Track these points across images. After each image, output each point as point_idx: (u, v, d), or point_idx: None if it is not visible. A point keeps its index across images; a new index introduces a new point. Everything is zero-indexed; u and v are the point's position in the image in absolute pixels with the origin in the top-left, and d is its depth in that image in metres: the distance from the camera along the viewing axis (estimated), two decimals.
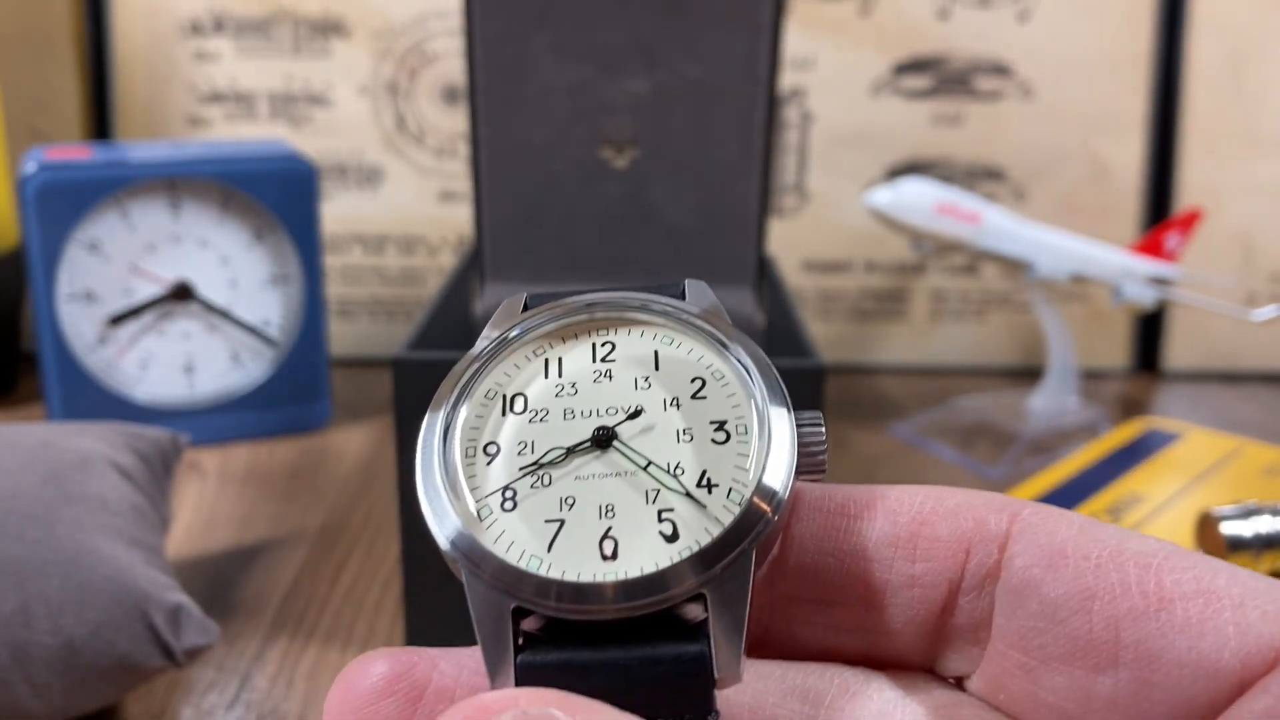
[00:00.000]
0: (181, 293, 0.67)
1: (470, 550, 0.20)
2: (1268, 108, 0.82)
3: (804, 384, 0.42)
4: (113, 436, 0.46)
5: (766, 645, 0.22)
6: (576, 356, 0.22)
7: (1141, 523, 0.50)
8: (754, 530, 0.19)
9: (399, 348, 0.45)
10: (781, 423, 0.20)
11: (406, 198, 0.83)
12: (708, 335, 0.22)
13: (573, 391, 0.22)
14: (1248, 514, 0.45)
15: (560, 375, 0.22)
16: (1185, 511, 0.51)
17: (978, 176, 0.83)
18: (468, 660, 0.20)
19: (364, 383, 0.79)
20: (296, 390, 0.70)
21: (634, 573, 0.19)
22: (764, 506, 0.20)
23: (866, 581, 0.21)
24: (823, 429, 0.21)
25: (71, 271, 0.64)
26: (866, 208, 0.68)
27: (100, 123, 0.82)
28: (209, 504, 0.60)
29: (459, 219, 0.83)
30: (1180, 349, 0.85)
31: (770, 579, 0.21)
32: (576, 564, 0.19)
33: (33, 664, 0.38)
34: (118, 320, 0.66)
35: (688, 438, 0.21)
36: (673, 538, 0.20)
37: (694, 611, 0.19)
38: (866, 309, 0.85)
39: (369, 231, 0.83)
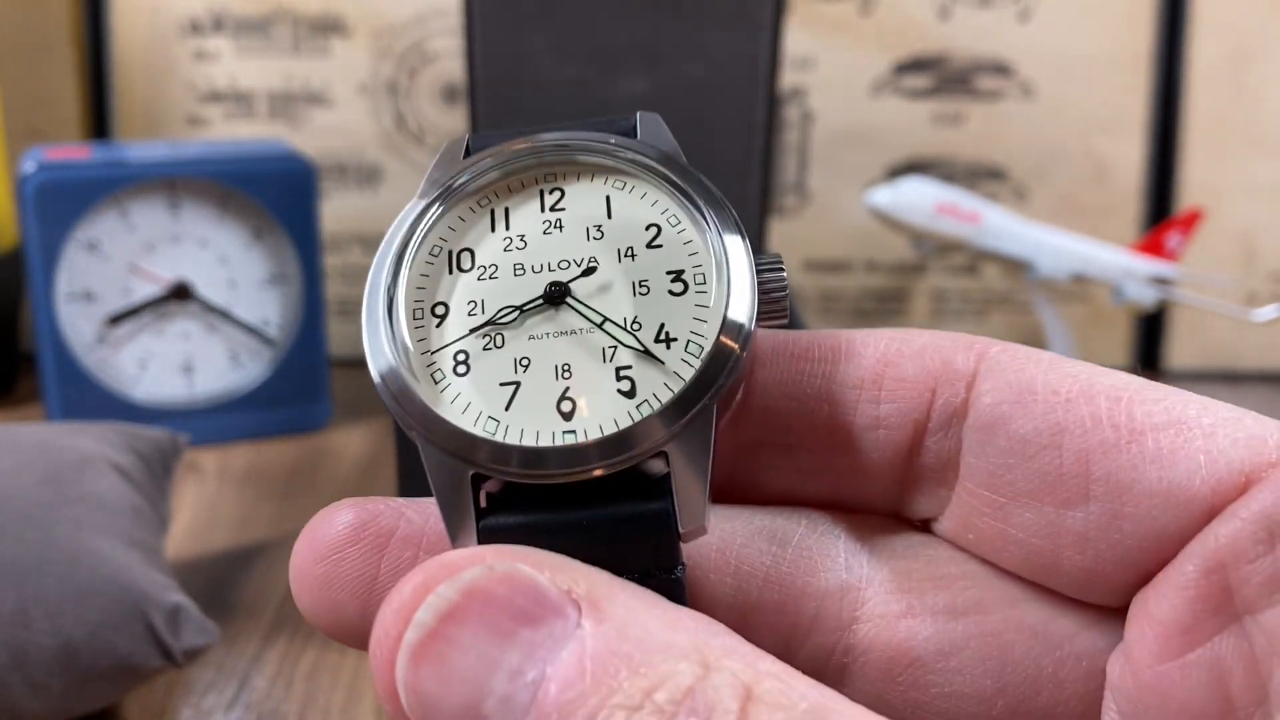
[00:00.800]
0: (181, 292, 0.67)
1: (423, 417, 0.19)
2: (1268, 107, 0.82)
3: None
4: (112, 437, 0.46)
5: (731, 492, 0.22)
6: (524, 207, 0.21)
7: None
8: (714, 385, 0.19)
9: None
10: (741, 267, 0.20)
11: (406, 197, 0.82)
12: (660, 176, 0.21)
13: (521, 245, 0.21)
14: None
15: (508, 228, 0.21)
16: None
17: (978, 176, 0.83)
18: (434, 509, 0.20)
19: (364, 383, 0.78)
20: (296, 390, 0.70)
21: (593, 434, 0.19)
22: (723, 357, 0.19)
23: (831, 424, 0.20)
24: (783, 272, 0.20)
25: (71, 271, 0.64)
26: (867, 207, 0.68)
27: (99, 122, 0.82)
28: (208, 504, 0.60)
29: None
30: (1181, 349, 0.85)
31: (734, 424, 0.20)
32: (534, 427, 0.19)
33: (31, 664, 0.37)
34: (117, 320, 0.66)
35: (643, 290, 0.20)
36: (631, 394, 0.19)
37: (656, 466, 0.19)
38: (867, 309, 0.85)
39: (369, 231, 0.83)
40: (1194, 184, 0.83)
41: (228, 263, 0.68)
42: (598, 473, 0.18)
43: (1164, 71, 0.82)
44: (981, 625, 0.19)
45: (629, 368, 0.19)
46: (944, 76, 0.82)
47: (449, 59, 0.82)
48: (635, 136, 0.22)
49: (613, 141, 0.21)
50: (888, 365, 0.20)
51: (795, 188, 0.83)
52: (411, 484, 0.47)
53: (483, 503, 0.19)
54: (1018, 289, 0.83)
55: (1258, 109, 0.82)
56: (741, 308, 0.19)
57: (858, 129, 0.83)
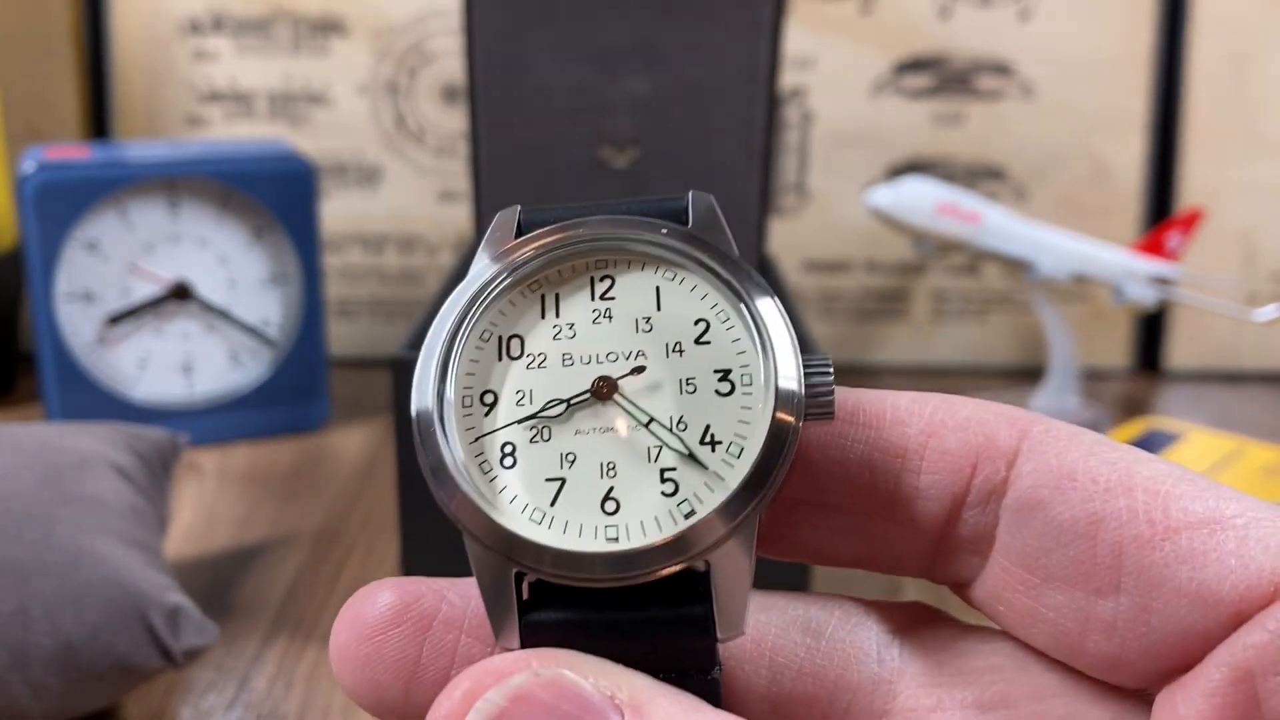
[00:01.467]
0: (180, 292, 0.67)
1: (470, 511, 0.19)
2: (1269, 107, 0.82)
3: None
4: (112, 437, 0.46)
5: (766, 544, 0.22)
6: (574, 294, 0.21)
7: None
8: (758, 495, 0.19)
9: (399, 348, 0.45)
10: (789, 370, 0.20)
11: (406, 197, 0.83)
12: (710, 270, 0.21)
13: (571, 334, 0.21)
14: None
15: (558, 315, 0.21)
16: None
17: (978, 176, 0.83)
18: (475, 591, 0.20)
19: (364, 383, 0.78)
20: (296, 390, 0.70)
21: (635, 538, 0.19)
22: (768, 465, 0.19)
23: (871, 490, 0.21)
24: (830, 374, 0.20)
25: (70, 271, 0.64)
26: (867, 207, 0.68)
27: (99, 122, 0.82)
28: (208, 504, 0.60)
29: (459, 219, 0.83)
30: (1181, 349, 0.85)
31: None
32: (578, 526, 0.19)
33: (31, 665, 0.37)
34: (116, 320, 0.65)
35: (690, 389, 0.20)
36: (674, 497, 0.19)
37: (698, 564, 0.19)
38: (867, 309, 0.85)
39: (368, 231, 0.83)
40: (1194, 184, 0.83)
41: (227, 263, 0.68)
42: (636, 581, 0.19)
43: (1164, 71, 0.82)
44: None
45: (673, 469, 0.19)
46: (944, 76, 0.82)
47: (449, 59, 0.82)
48: (686, 218, 0.22)
49: (664, 231, 0.21)
50: (931, 436, 0.20)
51: (795, 188, 0.83)
52: (410, 484, 0.47)
53: (525, 594, 0.19)
54: (1018, 289, 0.83)
55: (1258, 109, 0.82)
56: (789, 411, 0.19)
57: (858, 129, 0.82)
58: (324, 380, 0.71)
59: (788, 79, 0.81)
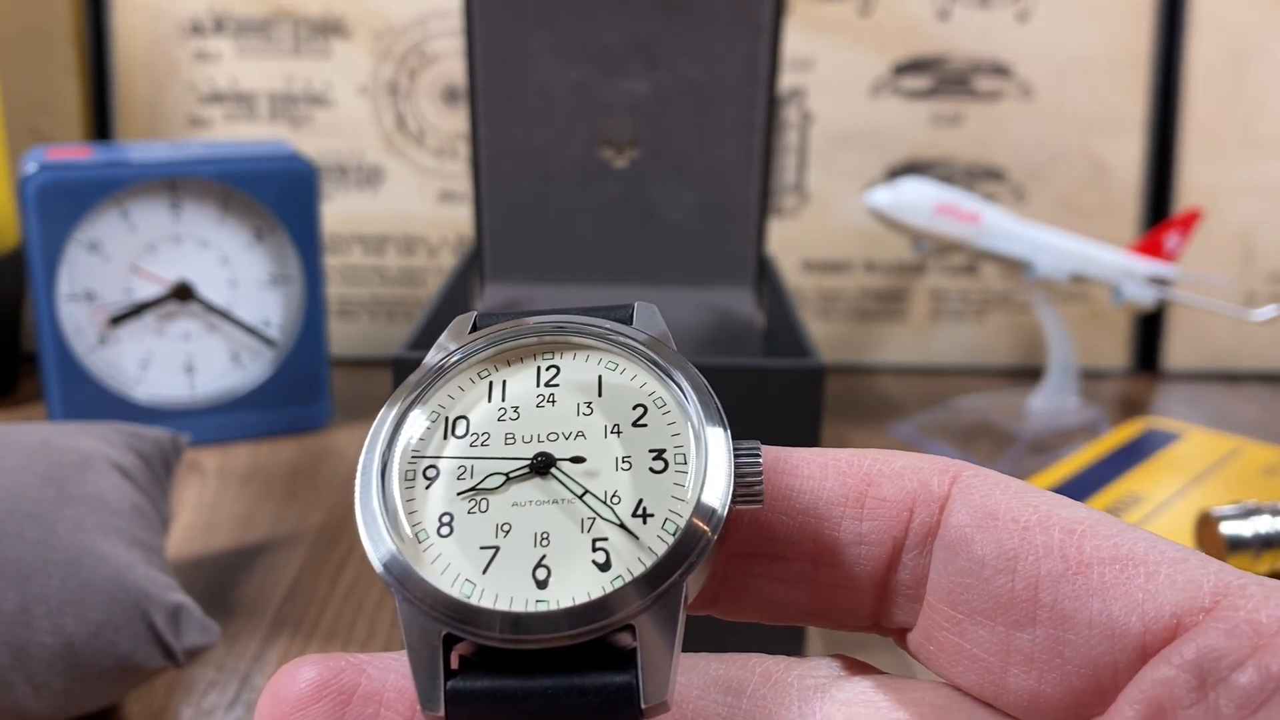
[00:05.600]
0: (182, 293, 0.67)
1: (404, 576, 0.20)
2: (1267, 108, 0.82)
3: (804, 384, 0.43)
4: (113, 436, 0.47)
5: (720, 598, 0.22)
6: (521, 380, 0.22)
7: (1141, 523, 0.50)
8: (685, 562, 0.20)
9: (399, 348, 0.45)
10: (719, 451, 0.21)
11: (406, 198, 0.83)
12: (650, 361, 0.22)
13: (515, 416, 0.22)
14: (1247, 514, 0.45)
15: (504, 399, 0.22)
16: (1185, 511, 0.51)
17: (977, 176, 0.83)
18: (394, 664, 0.21)
19: (364, 383, 0.79)
20: (297, 390, 0.70)
21: (565, 602, 0.19)
22: (695, 537, 0.20)
23: (817, 538, 0.21)
24: (759, 459, 0.21)
25: (72, 271, 0.64)
26: (866, 208, 0.68)
27: (101, 123, 0.82)
28: (209, 504, 0.60)
29: (459, 219, 0.83)
30: (1180, 349, 0.85)
31: (726, 535, 0.21)
32: (509, 592, 0.20)
33: (33, 664, 0.38)
34: (118, 320, 0.66)
35: (626, 466, 0.21)
36: (605, 567, 0.20)
37: (624, 640, 0.19)
38: (866, 309, 0.85)
39: (369, 232, 0.83)
40: (1193, 184, 0.83)
41: (229, 263, 0.68)
42: (564, 642, 0.19)
43: (1163, 72, 0.82)
44: None
45: (605, 539, 0.20)
46: (943, 77, 0.82)
47: (449, 60, 0.82)
48: (630, 318, 0.23)
49: (607, 326, 0.23)
50: (870, 484, 0.21)
51: (795, 188, 0.83)
52: None
53: (454, 664, 0.20)
54: (1017, 289, 0.83)
55: (1256, 109, 0.82)
56: (716, 491, 0.20)
57: (857, 129, 0.83)
58: (325, 380, 0.71)
59: (787, 80, 0.81)
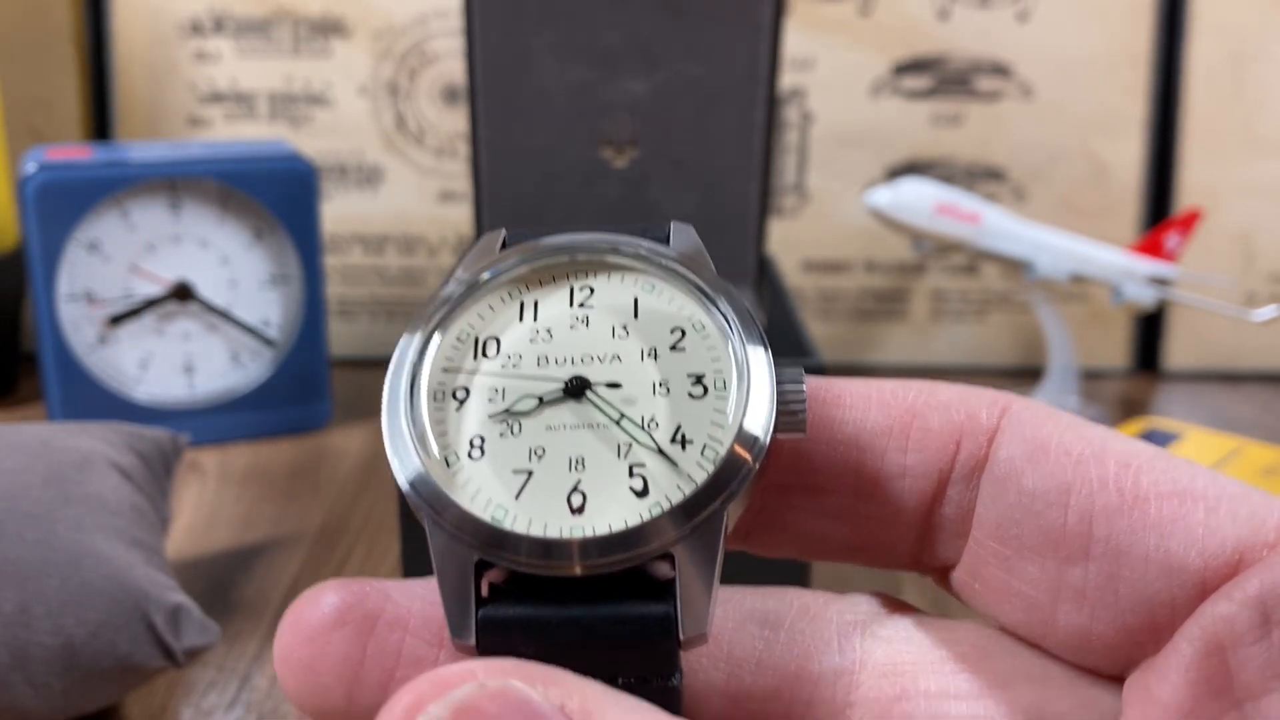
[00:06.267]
0: (181, 293, 0.67)
1: (434, 498, 0.19)
2: (1268, 108, 0.82)
3: None
4: (113, 436, 0.46)
5: (756, 532, 0.22)
6: (554, 301, 0.22)
7: None
8: (726, 490, 0.19)
9: None
10: (762, 378, 0.20)
11: (406, 198, 0.83)
12: (689, 283, 0.21)
13: (548, 338, 0.21)
14: None
15: (536, 320, 0.21)
16: None
17: (977, 177, 0.83)
18: (421, 591, 0.20)
19: (364, 383, 0.79)
20: (296, 390, 0.70)
21: (601, 529, 0.19)
22: (737, 464, 0.19)
23: (859, 470, 0.21)
24: (803, 387, 0.20)
25: (71, 272, 0.64)
26: (866, 208, 0.68)
27: (100, 123, 0.82)
28: (209, 504, 0.60)
29: (459, 219, 0.83)
30: (1180, 349, 0.85)
31: (761, 474, 0.20)
32: (543, 517, 0.19)
33: (33, 664, 0.38)
34: (118, 320, 0.66)
35: (664, 390, 0.20)
36: (643, 494, 0.19)
37: (662, 569, 0.19)
38: (866, 309, 0.85)
39: (369, 231, 0.83)
40: (1193, 184, 0.83)
41: (228, 263, 0.68)
42: (601, 570, 0.18)
43: (1163, 72, 0.82)
44: (975, 709, 0.20)
45: (643, 465, 0.19)
46: (943, 77, 0.82)
47: (449, 60, 0.82)
48: (667, 239, 0.22)
49: (645, 247, 0.22)
50: (915, 416, 0.21)
51: (795, 188, 0.83)
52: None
53: (484, 591, 0.19)
54: (1017, 289, 0.83)
55: (1256, 109, 0.82)
56: (759, 418, 0.19)
57: (857, 129, 0.83)
58: (325, 380, 0.71)
59: (787, 80, 0.81)
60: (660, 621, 0.18)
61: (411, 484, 0.19)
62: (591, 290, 0.22)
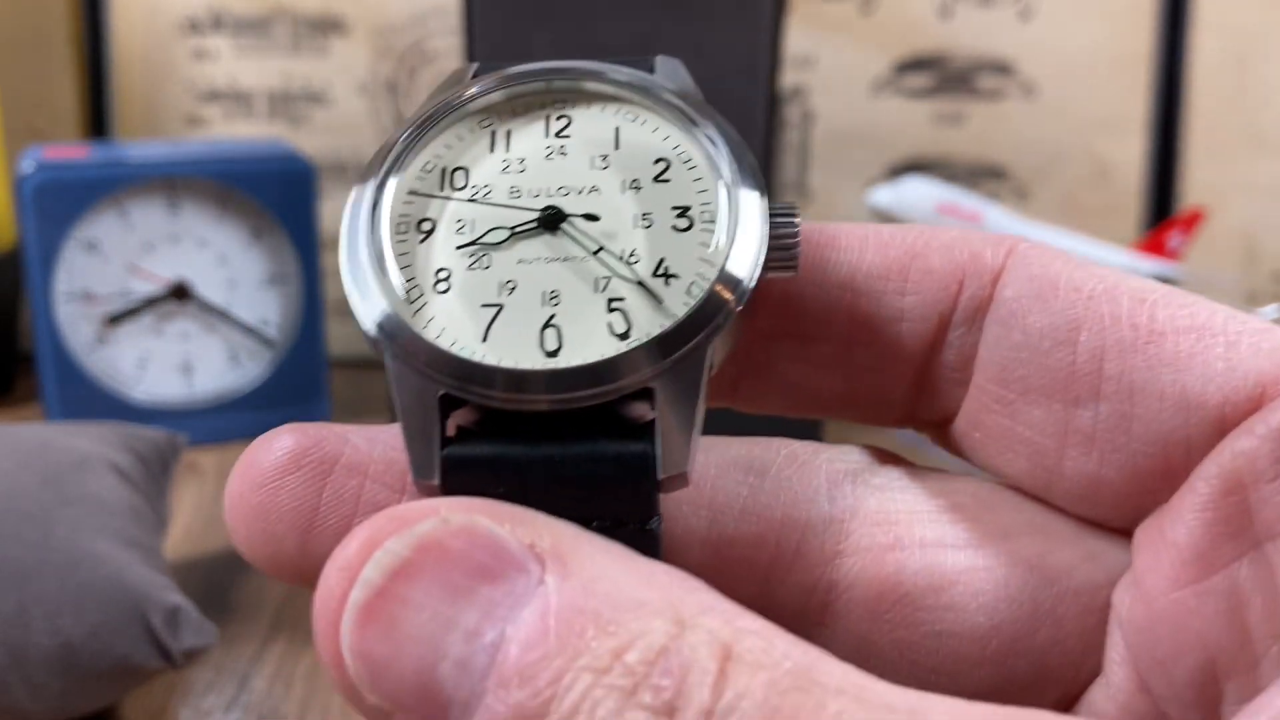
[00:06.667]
0: (180, 292, 0.66)
1: (397, 332, 0.18)
2: (1270, 107, 0.82)
3: None
4: (111, 437, 0.46)
5: (741, 387, 0.20)
6: (528, 131, 0.20)
7: None
8: (712, 323, 0.18)
9: None
10: (752, 210, 0.18)
11: None
12: (676, 111, 0.20)
13: (521, 169, 0.20)
14: None
15: (508, 150, 0.20)
16: None
17: (979, 176, 0.83)
18: (382, 435, 0.19)
19: (363, 383, 0.78)
20: (295, 390, 0.69)
21: (575, 361, 0.18)
22: (725, 296, 0.18)
23: (852, 315, 0.19)
24: (796, 222, 0.19)
25: (69, 271, 0.64)
26: (868, 207, 0.68)
27: (98, 122, 0.82)
28: (207, 505, 0.60)
29: None
30: None
31: (749, 312, 0.19)
32: (514, 352, 0.18)
33: (30, 665, 0.37)
34: (116, 320, 0.65)
35: (645, 223, 0.19)
36: (621, 330, 0.18)
37: (640, 410, 0.18)
38: None
39: None
40: (1195, 184, 0.83)
41: (227, 262, 0.68)
42: (576, 404, 0.17)
43: (1165, 71, 0.82)
44: (974, 559, 0.19)
45: (621, 299, 0.18)
46: (945, 76, 0.82)
47: (449, 58, 0.81)
48: (652, 69, 0.21)
49: (626, 73, 0.20)
50: (915, 256, 0.19)
51: (796, 187, 0.83)
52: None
53: (451, 432, 0.18)
54: None
55: (1259, 108, 0.82)
56: (747, 253, 0.18)
57: (859, 128, 0.82)
58: (324, 380, 0.70)
59: (788, 78, 0.81)
60: (637, 460, 0.17)
61: (375, 321, 0.18)
62: (569, 120, 0.20)
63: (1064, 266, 0.19)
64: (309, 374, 0.70)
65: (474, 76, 0.21)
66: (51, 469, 0.42)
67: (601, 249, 0.19)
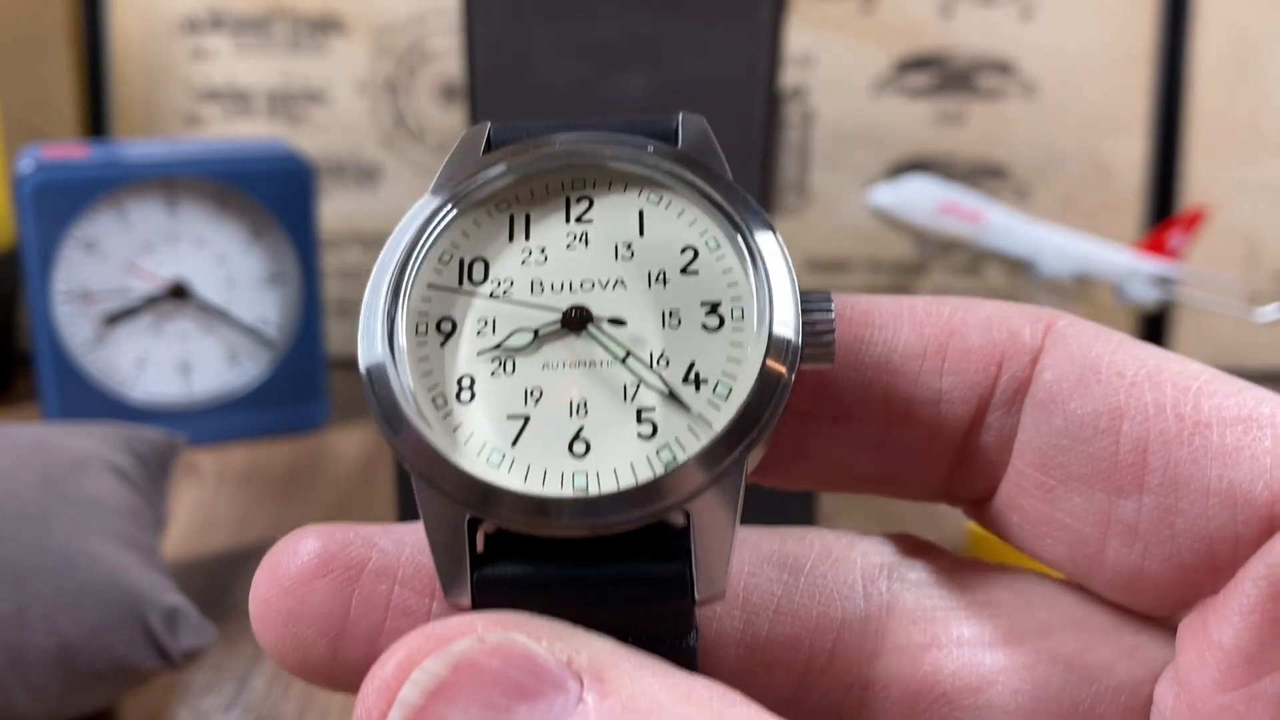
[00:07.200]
0: (178, 292, 0.66)
1: (419, 450, 0.17)
2: (1272, 106, 0.82)
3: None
4: (109, 437, 0.46)
5: (773, 467, 0.20)
6: (548, 216, 0.19)
7: None
8: (745, 439, 0.17)
9: None
10: (785, 303, 0.18)
11: (405, 196, 0.83)
12: (701, 193, 0.19)
13: (542, 259, 0.19)
14: None
15: (528, 239, 0.19)
16: None
17: (980, 175, 0.83)
18: (409, 536, 0.18)
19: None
20: (294, 390, 0.69)
21: (607, 483, 0.17)
22: (758, 408, 0.17)
23: (889, 396, 0.19)
24: (831, 311, 0.18)
25: (68, 271, 0.64)
26: (869, 206, 0.67)
27: (96, 121, 0.82)
28: (206, 505, 0.60)
29: None
30: (1183, 349, 0.84)
31: (787, 405, 0.18)
32: (542, 469, 0.17)
33: (29, 666, 0.37)
34: (114, 319, 0.65)
35: (674, 322, 0.18)
36: (652, 441, 0.17)
37: (674, 518, 0.17)
38: None
39: (367, 230, 0.83)
40: (1197, 183, 0.83)
41: (226, 262, 0.67)
42: (608, 529, 0.17)
43: (1167, 70, 0.82)
44: (1012, 658, 0.18)
45: (652, 409, 0.17)
46: (946, 75, 0.82)
47: (448, 57, 0.81)
48: (676, 142, 0.19)
49: (650, 149, 0.19)
50: (952, 334, 0.19)
51: (796, 186, 0.83)
52: (409, 484, 0.47)
53: (480, 546, 0.17)
54: (1020, 289, 0.83)
55: (1261, 108, 0.82)
56: (782, 352, 0.17)
57: (859, 127, 0.82)
58: (323, 380, 0.70)
59: (789, 78, 0.81)
60: (673, 581, 0.17)
61: (396, 432, 0.18)
62: (590, 202, 0.19)
63: (1104, 348, 0.18)
64: (308, 374, 0.70)
65: (488, 143, 0.20)
66: (50, 469, 0.42)
67: (630, 354, 0.18)
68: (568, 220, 0.19)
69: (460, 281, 0.19)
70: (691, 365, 0.18)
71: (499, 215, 0.19)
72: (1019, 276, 0.71)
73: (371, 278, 0.19)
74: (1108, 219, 0.83)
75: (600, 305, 0.18)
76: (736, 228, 0.19)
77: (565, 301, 0.18)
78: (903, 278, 0.84)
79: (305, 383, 0.70)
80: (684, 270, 0.18)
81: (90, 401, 0.65)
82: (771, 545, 0.19)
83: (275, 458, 0.66)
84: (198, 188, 0.66)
